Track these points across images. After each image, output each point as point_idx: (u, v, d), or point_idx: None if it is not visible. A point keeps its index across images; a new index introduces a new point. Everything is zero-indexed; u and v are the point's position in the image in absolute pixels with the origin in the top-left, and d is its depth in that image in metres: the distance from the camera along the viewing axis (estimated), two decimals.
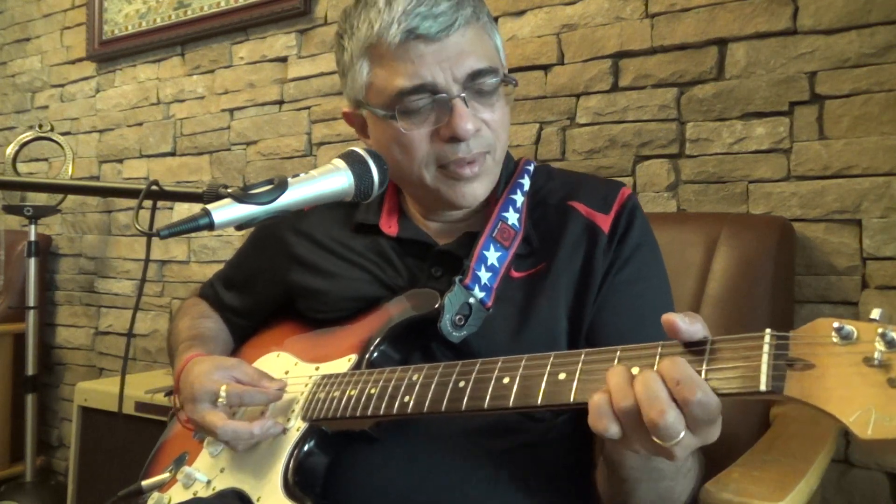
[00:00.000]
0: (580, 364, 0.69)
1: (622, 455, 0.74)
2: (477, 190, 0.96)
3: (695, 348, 0.63)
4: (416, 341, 0.94)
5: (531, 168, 1.05)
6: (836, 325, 0.56)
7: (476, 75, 0.92)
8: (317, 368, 0.97)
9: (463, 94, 0.91)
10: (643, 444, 0.63)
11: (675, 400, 0.60)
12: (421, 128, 0.93)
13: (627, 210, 0.98)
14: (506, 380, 0.73)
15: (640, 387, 0.61)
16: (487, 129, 0.94)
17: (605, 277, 0.94)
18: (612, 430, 0.63)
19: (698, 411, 0.59)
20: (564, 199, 1.00)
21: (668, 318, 0.63)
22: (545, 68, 1.85)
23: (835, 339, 0.56)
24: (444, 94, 0.91)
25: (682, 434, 0.60)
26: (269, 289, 1.14)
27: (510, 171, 1.05)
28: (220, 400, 0.90)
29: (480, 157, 0.94)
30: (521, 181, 1.03)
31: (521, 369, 0.73)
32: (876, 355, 0.53)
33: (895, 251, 1.42)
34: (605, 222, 0.96)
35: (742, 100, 1.58)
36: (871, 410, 0.52)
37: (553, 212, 0.99)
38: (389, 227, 1.03)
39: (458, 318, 0.90)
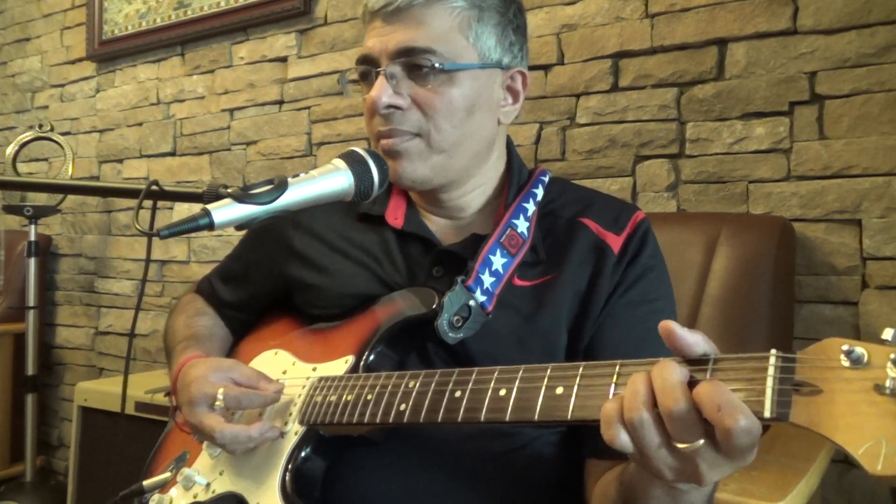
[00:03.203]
0: (578, 378, 0.68)
1: (648, 497, 0.71)
2: (405, 169, 0.94)
3: (696, 366, 0.60)
4: (413, 342, 0.93)
5: (546, 179, 1.04)
6: (845, 347, 0.52)
7: (406, 52, 0.91)
8: (314, 369, 0.96)
9: (385, 69, 0.92)
10: (664, 457, 0.60)
11: (710, 424, 0.56)
12: (365, 96, 0.96)
13: (640, 233, 0.96)
14: (502, 392, 0.72)
15: (658, 380, 0.59)
16: (417, 110, 0.93)
17: (610, 297, 0.93)
18: (622, 439, 0.60)
19: (743, 439, 0.55)
20: (576, 214, 0.99)
21: (666, 324, 0.61)
22: (545, 68, 1.85)
23: (844, 363, 0.52)
24: (374, 66, 0.94)
25: (702, 441, 0.58)
26: (267, 281, 1.13)
27: (524, 179, 1.04)
28: (217, 403, 0.89)
29: (405, 135, 0.93)
30: (535, 191, 1.01)
31: (517, 381, 0.72)
32: (888, 383, 0.50)
33: (895, 251, 1.42)
34: (615, 242, 0.95)
35: (742, 100, 1.58)
36: (881, 443, 0.49)
37: (563, 226, 0.98)
38: (395, 218, 1.02)
39: (456, 318, 0.89)
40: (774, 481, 0.99)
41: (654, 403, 0.59)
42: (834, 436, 0.52)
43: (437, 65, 0.91)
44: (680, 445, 0.59)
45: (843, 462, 1.45)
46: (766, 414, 0.55)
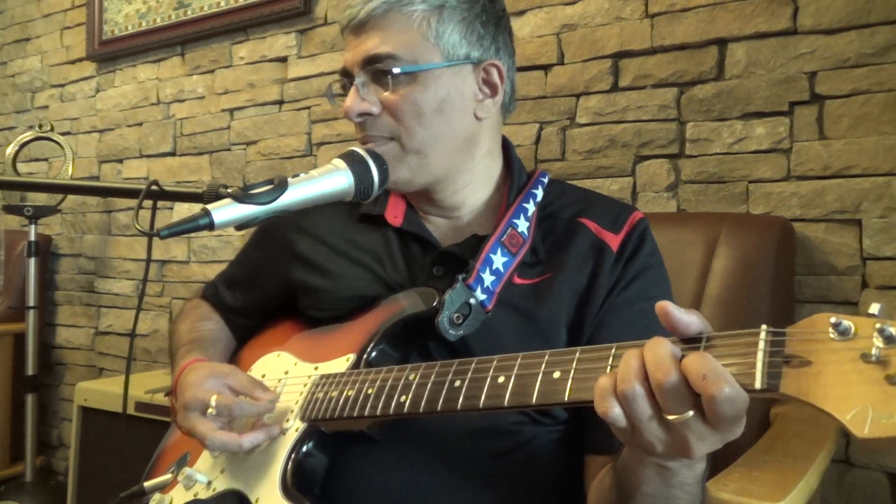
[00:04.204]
0: (574, 363, 0.69)
1: (640, 478, 0.72)
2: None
3: (690, 344, 0.62)
4: (414, 340, 0.94)
5: (545, 180, 1.05)
6: (833, 320, 0.54)
7: (370, 60, 0.95)
8: (316, 368, 0.97)
9: (358, 80, 0.96)
10: (654, 431, 0.62)
11: (698, 395, 0.58)
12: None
13: (638, 232, 0.98)
14: (501, 379, 0.73)
15: (649, 354, 0.61)
16: (387, 114, 0.96)
17: (609, 295, 0.94)
18: (615, 411, 0.62)
19: (727, 407, 0.57)
20: (575, 215, 1.00)
21: (663, 304, 0.63)
22: (545, 68, 1.85)
23: (832, 335, 0.54)
24: (350, 78, 0.98)
25: (691, 413, 0.59)
26: (271, 286, 1.14)
27: (523, 180, 1.04)
28: (209, 410, 0.90)
29: (379, 139, 0.96)
30: (535, 191, 1.03)
31: (516, 368, 0.73)
32: (873, 351, 0.52)
33: (895, 251, 1.42)
34: (614, 241, 0.96)
35: (742, 100, 1.58)
36: (868, 408, 0.50)
37: (563, 226, 1.00)
38: (395, 216, 1.03)
39: (456, 316, 0.90)
40: (774, 481, 0.99)
41: (645, 377, 0.61)
42: (823, 404, 0.53)
43: (394, 69, 0.94)
44: (670, 417, 0.60)
45: (843, 462, 1.45)
46: (757, 385, 0.56)
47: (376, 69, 0.95)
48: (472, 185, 1.03)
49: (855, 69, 1.46)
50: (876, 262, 1.44)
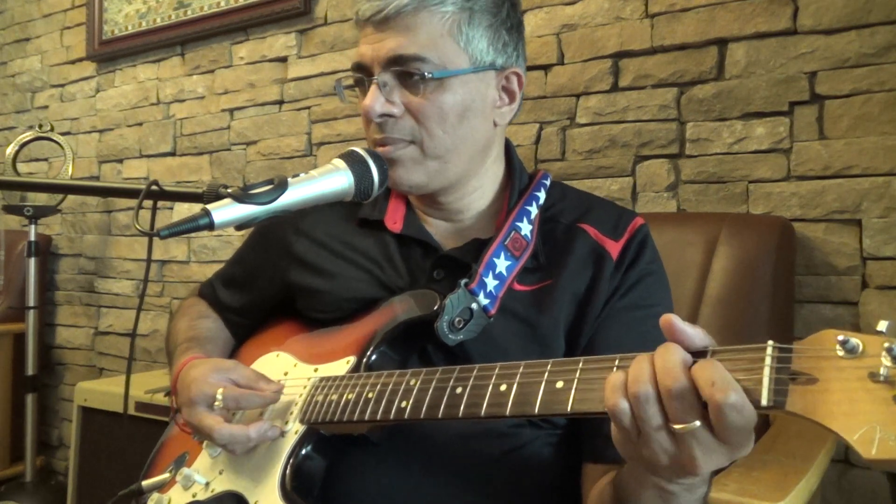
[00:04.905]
0: (578, 373, 0.68)
1: (639, 501, 0.72)
2: (401, 176, 0.94)
3: (696, 358, 0.61)
4: (414, 343, 0.93)
5: (547, 182, 1.04)
6: (840, 337, 0.53)
7: (396, 61, 0.91)
8: (315, 370, 0.96)
9: (377, 78, 0.92)
10: (658, 443, 0.61)
11: (705, 405, 0.57)
12: (360, 103, 0.97)
13: (638, 239, 0.97)
14: (503, 387, 0.72)
15: (660, 361, 0.61)
16: (410, 117, 0.93)
17: (608, 302, 0.93)
18: (622, 406, 0.61)
19: (734, 416, 0.56)
20: (576, 220, 0.99)
21: (668, 317, 0.62)
22: (545, 68, 1.85)
23: (839, 353, 0.54)
24: (367, 75, 0.94)
25: (698, 423, 0.58)
26: (269, 287, 1.13)
27: (524, 183, 1.04)
28: (216, 403, 0.90)
29: (399, 142, 0.94)
30: (538, 194, 1.02)
31: (518, 376, 0.72)
32: (882, 370, 0.51)
33: (895, 251, 1.42)
34: (614, 248, 0.95)
35: (742, 100, 1.58)
36: (875, 428, 0.50)
37: (563, 231, 0.99)
38: (394, 222, 1.02)
39: (457, 320, 0.89)
40: (774, 481, 0.99)
41: (656, 382, 0.60)
42: (830, 423, 0.53)
43: (426, 73, 0.90)
44: (676, 426, 0.59)
45: (843, 462, 1.45)
46: (764, 402, 0.56)
47: (402, 70, 0.92)
48: (480, 191, 1.02)
49: (855, 69, 1.46)
50: (876, 262, 1.44)
